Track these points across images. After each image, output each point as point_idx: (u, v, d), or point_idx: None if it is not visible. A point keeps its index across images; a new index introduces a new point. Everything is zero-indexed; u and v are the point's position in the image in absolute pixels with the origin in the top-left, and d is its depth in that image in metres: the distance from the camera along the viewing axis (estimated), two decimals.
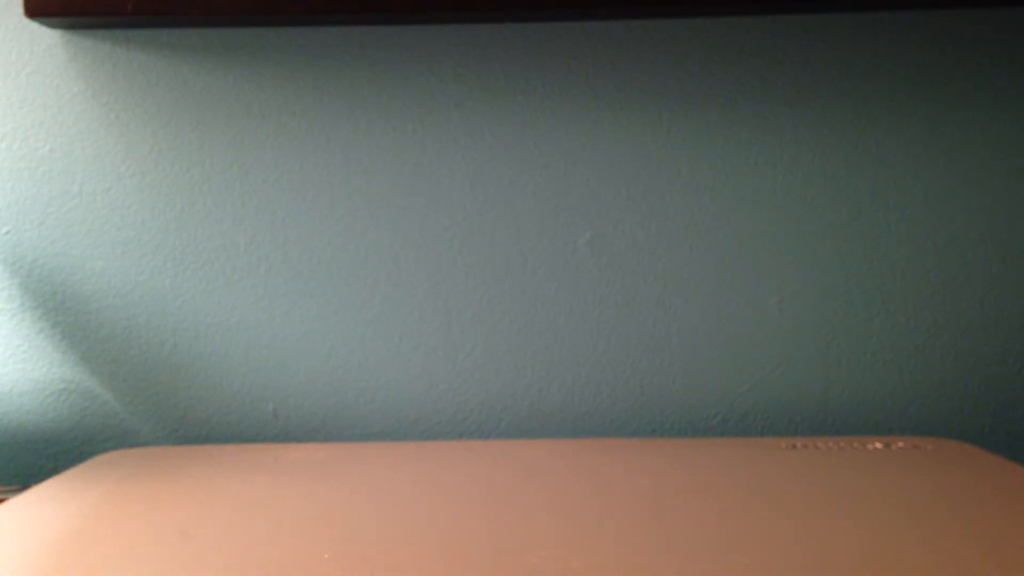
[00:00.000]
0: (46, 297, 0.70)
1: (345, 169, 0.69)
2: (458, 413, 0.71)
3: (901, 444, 0.61)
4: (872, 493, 0.51)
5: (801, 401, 0.70)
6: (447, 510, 0.48)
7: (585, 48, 0.68)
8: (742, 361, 0.70)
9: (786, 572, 0.39)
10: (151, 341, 0.70)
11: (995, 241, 0.69)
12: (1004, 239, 0.69)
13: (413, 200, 0.70)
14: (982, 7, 0.67)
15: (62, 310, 0.70)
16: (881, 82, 0.68)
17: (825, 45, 0.68)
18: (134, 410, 0.71)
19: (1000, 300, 0.69)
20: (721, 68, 0.68)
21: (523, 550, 0.41)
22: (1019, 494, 0.50)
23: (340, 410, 0.71)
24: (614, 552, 0.41)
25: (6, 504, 0.51)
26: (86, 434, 0.70)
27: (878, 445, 0.61)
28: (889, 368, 0.70)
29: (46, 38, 0.68)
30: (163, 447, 0.64)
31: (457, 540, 0.43)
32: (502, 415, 0.71)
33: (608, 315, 0.70)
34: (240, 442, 0.71)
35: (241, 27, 0.68)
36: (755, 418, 0.70)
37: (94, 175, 0.69)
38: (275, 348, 0.70)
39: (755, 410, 0.70)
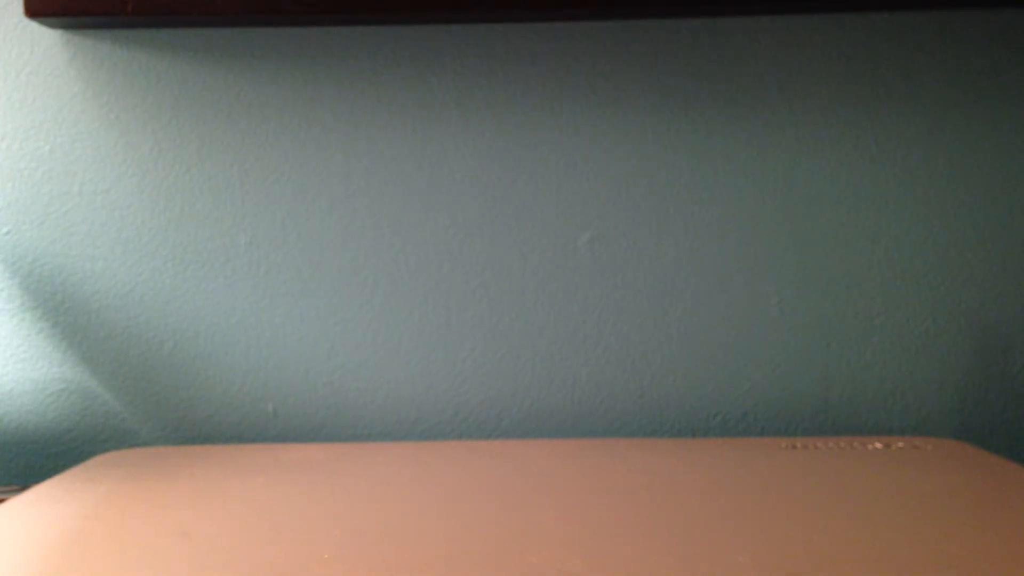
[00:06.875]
0: (46, 297, 0.70)
1: (345, 169, 0.69)
2: (458, 413, 0.71)
3: (901, 444, 0.61)
4: (872, 493, 0.51)
5: (801, 401, 0.70)
6: (447, 510, 0.48)
7: (585, 48, 0.68)
8: (742, 361, 0.70)
9: (786, 571, 0.39)
10: (151, 341, 0.70)
11: (995, 241, 0.69)
12: (1004, 239, 0.69)
13: (413, 200, 0.70)
14: (982, 7, 0.67)
15: (62, 310, 0.70)
16: (881, 82, 0.68)
17: (825, 45, 0.68)
18: (134, 410, 0.71)
19: (1000, 300, 0.69)
20: (721, 68, 0.68)
21: (523, 550, 0.41)
22: (1019, 494, 0.50)
23: (340, 410, 0.71)
24: (614, 552, 0.41)
25: (6, 504, 0.51)
26: (86, 434, 0.70)
27: (878, 445, 0.61)
28: (889, 368, 0.70)
29: (46, 38, 0.68)
30: (163, 447, 0.64)
31: (457, 540, 0.43)
32: (502, 415, 0.71)
33: (608, 315, 0.70)
34: (240, 442, 0.71)
35: (241, 27, 0.68)
36: (755, 418, 0.70)
37: (94, 175, 0.69)
38: (275, 348, 0.70)
39: (755, 410, 0.70)
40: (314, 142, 0.69)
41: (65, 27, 0.68)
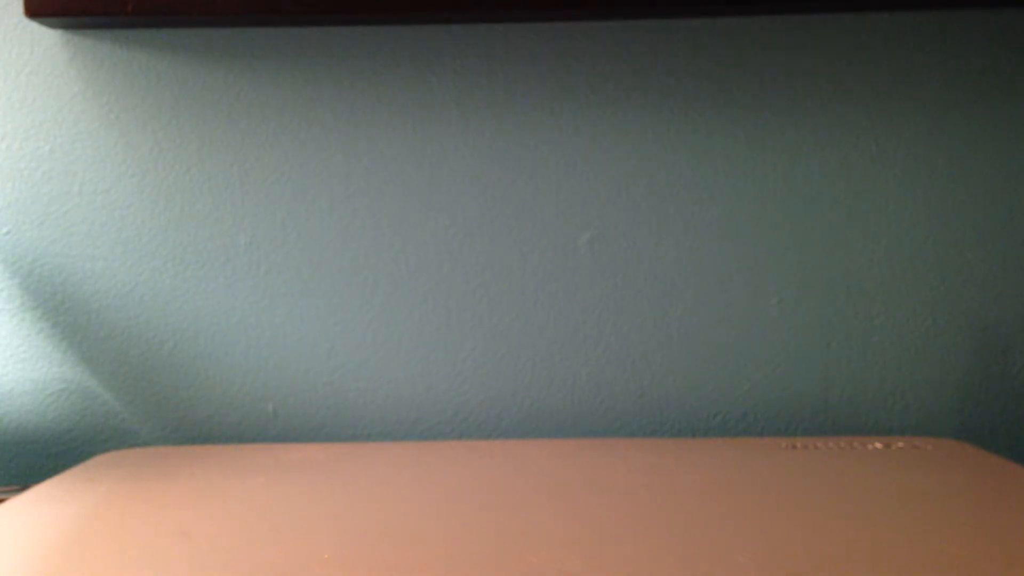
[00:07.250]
0: (46, 297, 0.70)
1: (345, 169, 0.69)
2: (458, 413, 0.71)
3: (901, 444, 0.61)
4: (872, 493, 0.51)
5: (801, 401, 0.70)
6: (447, 510, 0.48)
7: (585, 48, 0.68)
8: (742, 361, 0.70)
9: (786, 571, 0.39)
10: (151, 341, 0.70)
11: (995, 241, 0.69)
12: (1004, 239, 0.69)
13: (413, 200, 0.70)
14: (982, 7, 0.67)
15: (62, 310, 0.70)
16: (881, 82, 0.68)
17: (825, 45, 0.68)
18: (134, 410, 0.71)
19: (1000, 300, 0.69)
20: (721, 68, 0.68)
21: (523, 550, 0.41)
22: (1019, 494, 0.50)
23: (340, 410, 0.71)
24: (614, 552, 0.41)
25: (6, 504, 0.51)
26: (86, 434, 0.70)
27: (878, 445, 0.61)
28: (889, 368, 0.70)
29: (46, 38, 0.68)
30: (163, 447, 0.64)
31: (457, 540, 0.43)
32: (502, 415, 0.71)
33: (608, 315, 0.70)
34: (240, 442, 0.71)
35: (241, 27, 0.68)
36: (755, 418, 0.70)
37: (94, 175, 0.69)
38: (275, 348, 0.70)
39: (755, 410, 0.70)
40: (314, 142, 0.69)
41: (65, 27, 0.68)
